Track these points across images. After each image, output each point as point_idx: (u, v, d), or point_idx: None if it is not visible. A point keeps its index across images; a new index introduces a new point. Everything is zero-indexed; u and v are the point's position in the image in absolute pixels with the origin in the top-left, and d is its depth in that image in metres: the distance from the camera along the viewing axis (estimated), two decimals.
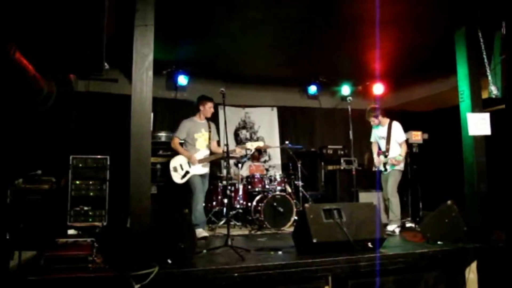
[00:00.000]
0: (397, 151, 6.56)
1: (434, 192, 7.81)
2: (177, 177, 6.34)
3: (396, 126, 6.69)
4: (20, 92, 5.26)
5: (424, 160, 8.44)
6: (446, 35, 6.09)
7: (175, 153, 6.51)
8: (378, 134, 6.89)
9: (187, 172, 6.30)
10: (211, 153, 6.51)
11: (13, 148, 5.96)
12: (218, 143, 6.88)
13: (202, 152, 6.41)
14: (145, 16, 4.19)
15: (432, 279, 4.77)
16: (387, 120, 6.76)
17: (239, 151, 6.68)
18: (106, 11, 3.95)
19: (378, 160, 6.79)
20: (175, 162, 6.40)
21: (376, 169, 6.84)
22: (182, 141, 6.48)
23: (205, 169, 6.45)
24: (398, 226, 6.40)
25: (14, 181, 5.92)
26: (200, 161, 6.34)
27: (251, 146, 6.62)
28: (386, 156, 6.63)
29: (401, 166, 6.57)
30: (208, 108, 6.45)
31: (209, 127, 6.54)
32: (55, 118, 7.22)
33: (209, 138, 6.50)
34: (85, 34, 3.80)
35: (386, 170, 6.64)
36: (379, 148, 6.89)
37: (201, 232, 5.98)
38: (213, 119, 6.40)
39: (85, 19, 3.80)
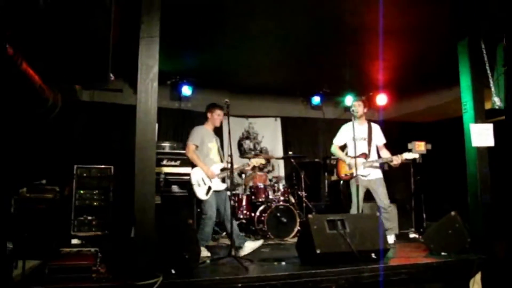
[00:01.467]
0: (375, 155, 6.23)
1: (438, 203, 7.78)
2: (201, 193, 5.70)
3: (377, 127, 6.37)
4: (26, 102, 5.31)
5: (428, 171, 8.43)
6: (449, 46, 6.11)
7: (182, 163, 6.45)
8: (354, 134, 6.03)
9: (209, 188, 5.75)
10: (224, 167, 6.00)
11: (18, 157, 5.99)
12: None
13: (217, 165, 5.93)
14: (150, 28, 4.22)
15: None
16: (365, 120, 6.39)
17: (247, 167, 6.41)
18: (112, 23, 4.00)
19: (352, 162, 6.02)
20: (197, 175, 5.77)
21: (348, 174, 6.24)
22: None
23: (224, 184, 5.95)
24: (392, 234, 6.24)
25: (18, 190, 5.94)
26: (218, 175, 5.87)
27: (256, 163, 6.35)
28: (366, 158, 6.16)
29: (380, 172, 6.24)
30: (216, 116, 6.01)
31: (217, 139, 6.17)
32: (59, 128, 7.27)
33: (218, 150, 6.11)
34: (91, 45, 3.83)
35: (369, 174, 6.11)
36: (346, 150, 6.41)
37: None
38: (217, 129, 6.27)
39: (91, 30, 3.83)
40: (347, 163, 6.26)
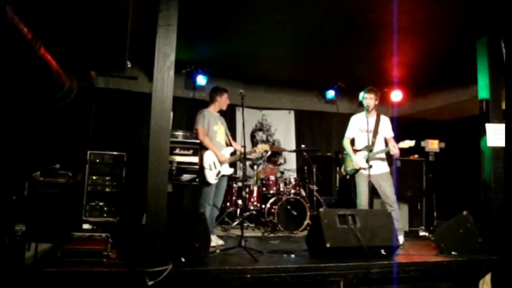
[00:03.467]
0: (381, 148, 5.96)
1: (449, 202, 7.74)
2: (211, 177, 5.62)
3: (387, 119, 6.12)
4: (43, 87, 5.35)
5: (440, 169, 8.38)
6: (466, 44, 6.05)
7: (194, 152, 6.46)
8: (362, 126, 6.02)
9: (219, 172, 5.71)
10: (234, 151, 6.06)
11: (33, 141, 6.05)
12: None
13: (226, 149, 5.91)
14: (168, 15, 4.22)
15: None
16: (375, 112, 6.13)
17: (253, 154, 6.43)
18: (131, 10, 4.01)
19: (357, 158, 5.96)
20: (209, 159, 5.68)
21: (351, 169, 6.07)
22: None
23: (231, 169, 5.96)
24: (403, 235, 6.05)
25: (32, 173, 6.01)
26: (229, 160, 5.86)
27: (261, 149, 6.20)
28: (371, 151, 5.86)
29: (387, 169, 5.98)
30: (225, 100, 5.99)
31: (223, 121, 6.10)
32: (74, 113, 7.33)
33: (225, 133, 6.05)
34: (109, 32, 3.85)
35: (370, 166, 5.75)
36: (352, 145, 6.18)
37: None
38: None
39: (110, 17, 3.85)
40: (352, 160, 6.06)
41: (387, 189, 5.84)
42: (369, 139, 5.91)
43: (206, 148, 5.73)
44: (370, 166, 5.75)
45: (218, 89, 6.07)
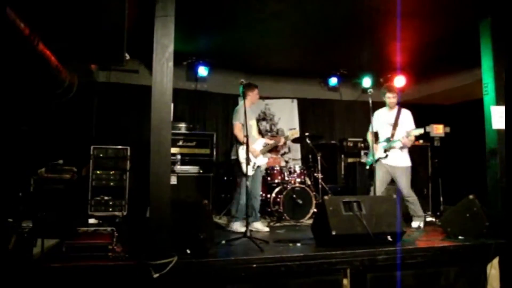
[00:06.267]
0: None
1: (456, 186, 7.69)
2: (249, 169, 5.67)
3: (407, 113, 6.39)
4: (43, 83, 5.33)
5: (446, 154, 8.33)
6: (470, 26, 5.97)
7: (198, 144, 6.51)
8: (384, 120, 6.43)
9: (254, 164, 6.15)
10: (265, 143, 6.50)
11: (36, 138, 6.05)
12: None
13: (260, 141, 6.39)
14: (165, 6, 4.18)
15: (453, 274, 4.71)
16: (396, 105, 6.46)
17: (279, 141, 6.85)
18: (127, 2, 3.97)
19: (376, 147, 6.32)
20: (244, 152, 5.70)
21: (370, 159, 6.35)
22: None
23: (265, 159, 6.44)
24: (422, 221, 6.27)
25: (36, 170, 6.02)
26: (261, 151, 6.31)
27: (292, 134, 6.85)
28: (389, 141, 6.26)
29: (407, 163, 6.26)
30: (256, 94, 6.41)
31: (255, 115, 6.45)
32: (76, 108, 7.32)
33: (258, 126, 6.47)
34: (106, 25, 3.82)
35: (386, 156, 6.20)
36: (377, 139, 6.49)
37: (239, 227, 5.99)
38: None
39: (107, 9, 3.82)
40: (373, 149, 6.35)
41: (401, 184, 6.22)
42: (389, 132, 6.34)
43: (241, 143, 6.03)
44: (386, 156, 6.21)
45: (250, 84, 6.36)
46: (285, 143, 9.34)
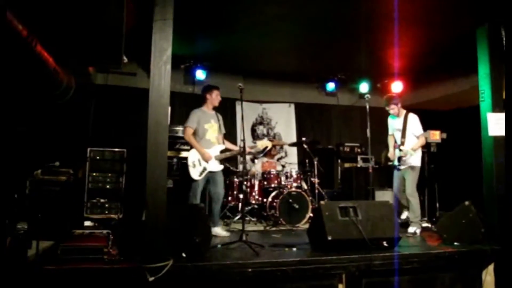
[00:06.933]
0: (411, 145, 6.34)
1: (452, 192, 7.71)
2: (195, 173, 5.98)
3: (413, 118, 6.45)
4: (41, 84, 5.33)
5: (442, 160, 8.35)
6: (467, 32, 5.99)
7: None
8: (394, 126, 6.60)
9: (204, 169, 6.00)
10: (226, 149, 6.32)
11: (33, 139, 6.04)
12: (225, 136, 6.56)
13: (216, 147, 6.17)
14: (164, 10, 4.19)
15: (448, 280, 4.71)
16: (403, 111, 6.51)
17: (254, 149, 6.72)
18: (126, 5, 3.98)
19: (392, 153, 6.50)
20: (193, 156, 6.05)
21: (391, 163, 6.56)
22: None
23: (221, 166, 6.18)
24: (419, 227, 6.20)
25: (32, 171, 6.00)
26: (217, 157, 6.10)
27: (261, 145, 6.62)
28: (400, 150, 6.34)
29: (416, 163, 6.31)
30: (215, 96, 6.24)
31: (218, 118, 6.35)
32: (73, 110, 7.31)
33: (218, 130, 6.30)
34: (104, 28, 3.83)
35: (400, 164, 6.37)
36: (395, 142, 6.61)
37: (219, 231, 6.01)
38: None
39: (105, 12, 3.82)
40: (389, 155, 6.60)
41: (407, 182, 6.28)
42: (399, 139, 6.43)
43: (191, 146, 6.09)
44: (399, 169, 6.38)
45: (207, 87, 6.36)
46: (281, 147, 9.39)
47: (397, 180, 6.47)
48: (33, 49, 4.33)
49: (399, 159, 6.34)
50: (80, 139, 7.49)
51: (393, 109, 6.49)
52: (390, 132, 6.75)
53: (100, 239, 4.26)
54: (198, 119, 6.13)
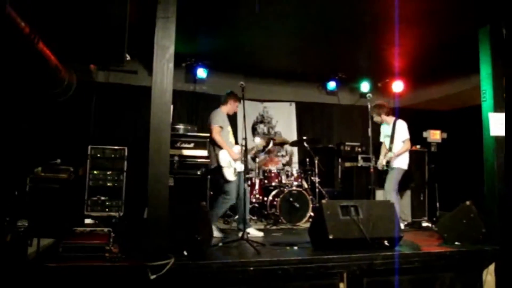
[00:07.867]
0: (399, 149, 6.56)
1: (452, 192, 7.71)
2: (230, 174, 5.82)
3: (400, 124, 6.62)
4: (42, 82, 5.32)
5: (443, 160, 8.36)
6: (468, 33, 5.98)
7: (196, 145, 6.46)
8: (384, 132, 6.83)
9: (235, 169, 5.89)
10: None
11: (34, 137, 6.04)
12: None
13: (236, 147, 6.07)
14: (167, 8, 4.18)
15: (449, 280, 4.71)
16: (392, 119, 6.70)
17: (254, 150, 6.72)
18: (129, 2, 3.97)
19: (380, 162, 6.67)
20: (226, 157, 5.85)
21: (380, 168, 6.71)
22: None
23: (242, 166, 5.97)
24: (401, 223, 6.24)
25: (33, 169, 6.00)
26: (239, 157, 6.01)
27: (258, 146, 6.71)
28: (386, 156, 6.60)
29: (399, 165, 6.48)
30: (235, 107, 6.22)
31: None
32: (75, 108, 7.31)
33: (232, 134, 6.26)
34: (107, 25, 3.82)
35: (387, 167, 6.55)
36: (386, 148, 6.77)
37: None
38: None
39: (108, 10, 3.82)
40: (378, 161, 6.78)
41: (387, 180, 6.53)
42: (388, 144, 6.63)
43: (220, 147, 5.86)
44: (386, 173, 6.56)
45: (233, 94, 6.20)
46: (282, 146, 9.38)
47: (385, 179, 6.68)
48: (35, 46, 4.32)
49: (388, 163, 6.55)
50: (81, 136, 7.49)
51: (375, 118, 6.70)
52: (381, 138, 6.94)
53: (102, 237, 4.25)
54: (224, 120, 6.05)
